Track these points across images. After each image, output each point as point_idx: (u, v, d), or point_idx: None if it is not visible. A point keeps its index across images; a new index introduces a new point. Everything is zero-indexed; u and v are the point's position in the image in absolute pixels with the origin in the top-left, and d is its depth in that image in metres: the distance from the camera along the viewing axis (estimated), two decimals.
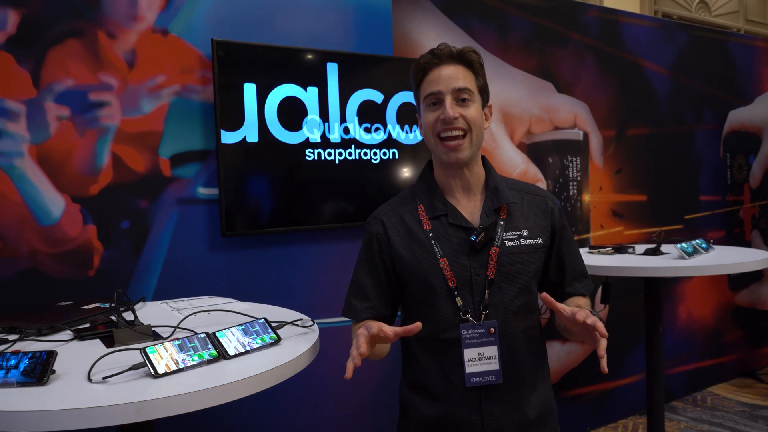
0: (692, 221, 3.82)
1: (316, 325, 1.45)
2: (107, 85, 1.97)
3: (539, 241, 1.35)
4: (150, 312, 1.69)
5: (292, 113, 2.25)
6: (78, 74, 1.93)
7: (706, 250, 2.52)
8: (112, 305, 1.59)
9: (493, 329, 1.28)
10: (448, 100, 1.30)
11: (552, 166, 3.13)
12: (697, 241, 2.54)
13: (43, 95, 1.88)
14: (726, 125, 4.02)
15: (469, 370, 1.27)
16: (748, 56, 4.16)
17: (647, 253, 2.59)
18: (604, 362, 1.07)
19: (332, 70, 2.33)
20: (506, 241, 1.32)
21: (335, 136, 2.32)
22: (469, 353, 1.26)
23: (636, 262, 2.39)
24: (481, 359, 1.26)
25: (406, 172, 2.50)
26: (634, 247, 2.74)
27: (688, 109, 3.79)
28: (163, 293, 2.03)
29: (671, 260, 2.36)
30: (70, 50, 1.92)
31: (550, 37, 3.13)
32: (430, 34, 2.68)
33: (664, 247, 2.62)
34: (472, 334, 1.27)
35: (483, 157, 1.42)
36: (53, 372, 1.11)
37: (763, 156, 4.24)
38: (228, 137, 2.11)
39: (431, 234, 1.33)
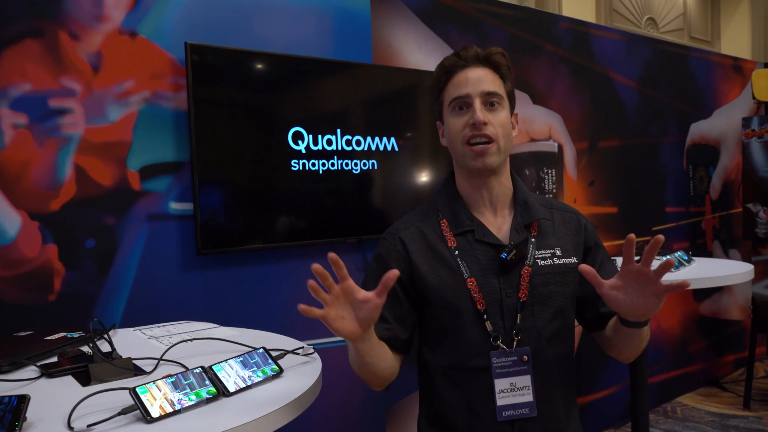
0: (659, 233, 3.84)
1: (316, 353, 1.32)
2: (70, 91, 1.79)
3: (573, 260, 1.26)
4: (123, 341, 1.52)
5: (272, 122, 2.11)
6: (37, 78, 1.75)
7: (688, 262, 2.51)
8: (84, 335, 1.42)
9: (526, 357, 1.17)
10: (477, 104, 1.20)
11: (528, 178, 3.08)
12: (679, 253, 2.53)
13: None
14: (688, 138, 4.09)
15: (500, 402, 1.15)
16: (706, 71, 4.25)
17: None
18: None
19: (312, 77, 2.20)
20: (538, 260, 1.22)
21: (319, 146, 2.19)
22: (500, 384, 1.15)
23: None
24: (513, 390, 1.15)
25: (387, 183, 2.39)
26: (615, 260, 2.71)
27: (654, 122, 3.83)
28: (133, 319, 1.84)
29: None
30: (28, 51, 1.74)
31: (525, 48, 3.09)
32: (410, 42, 2.60)
33: None
34: (504, 363, 1.16)
35: (510, 170, 1.32)
36: (25, 419, 0.95)
37: (721, 168, 4.34)
38: (204, 148, 1.95)
39: (456, 252, 1.22)
